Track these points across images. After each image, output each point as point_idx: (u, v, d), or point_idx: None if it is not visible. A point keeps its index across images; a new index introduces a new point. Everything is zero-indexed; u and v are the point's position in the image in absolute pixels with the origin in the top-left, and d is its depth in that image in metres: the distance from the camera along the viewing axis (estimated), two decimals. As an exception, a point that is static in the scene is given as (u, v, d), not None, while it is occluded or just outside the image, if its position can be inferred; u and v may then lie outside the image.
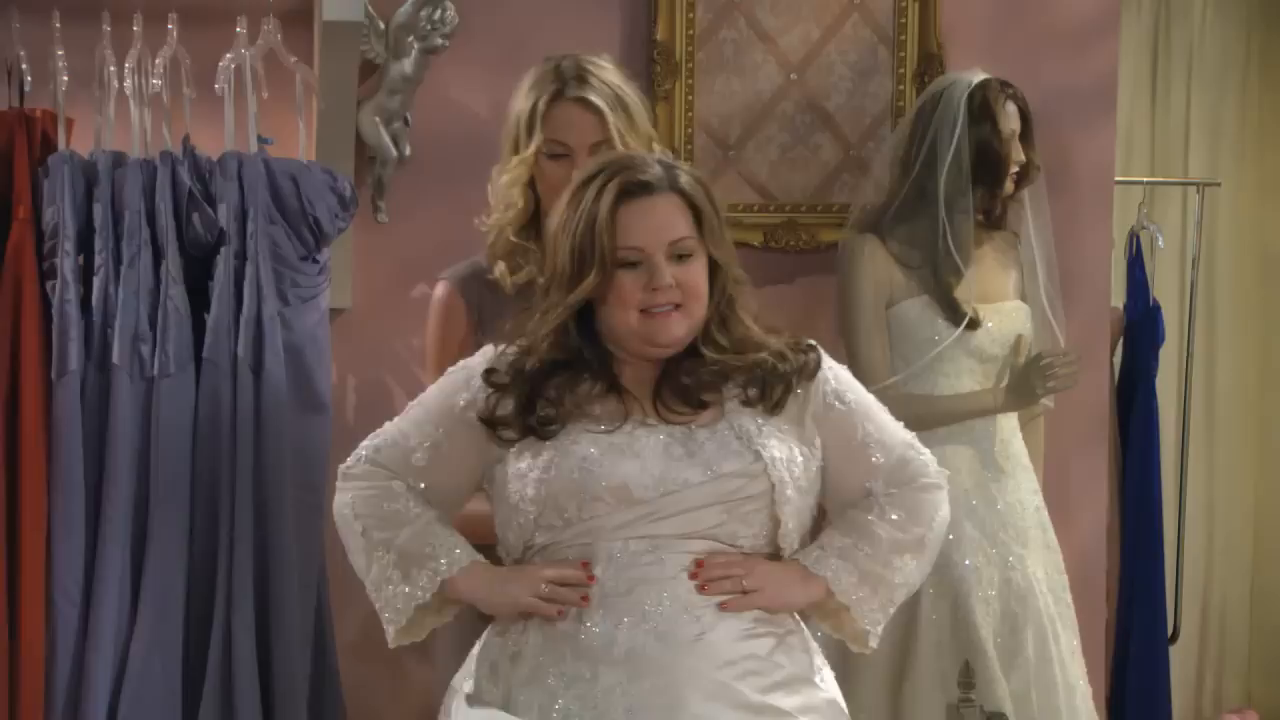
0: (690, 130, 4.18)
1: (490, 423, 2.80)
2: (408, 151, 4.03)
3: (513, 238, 3.34)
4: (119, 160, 3.62)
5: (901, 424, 2.92)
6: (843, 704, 2.86)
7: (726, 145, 4.20)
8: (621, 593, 2.73)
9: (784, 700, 2.74)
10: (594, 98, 3.29)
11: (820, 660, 2.86)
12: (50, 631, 3.56)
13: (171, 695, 3.58)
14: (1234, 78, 5.70)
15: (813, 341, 2.88)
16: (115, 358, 3.57)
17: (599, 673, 2.71)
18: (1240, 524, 5.79)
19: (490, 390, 2.82)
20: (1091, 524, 4.40)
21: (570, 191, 2.82)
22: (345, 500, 2.90)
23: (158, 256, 3.61)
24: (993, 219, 4.06)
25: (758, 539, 2.80)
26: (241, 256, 3.63)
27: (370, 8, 3.94)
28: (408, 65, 3.98)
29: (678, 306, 2.77)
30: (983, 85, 3.98)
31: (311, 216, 3.65)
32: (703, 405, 2.80)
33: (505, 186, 3.34)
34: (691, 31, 4.16)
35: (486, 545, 2.90)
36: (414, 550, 2.84)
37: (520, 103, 3.34)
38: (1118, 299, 4.88)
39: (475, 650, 2.88)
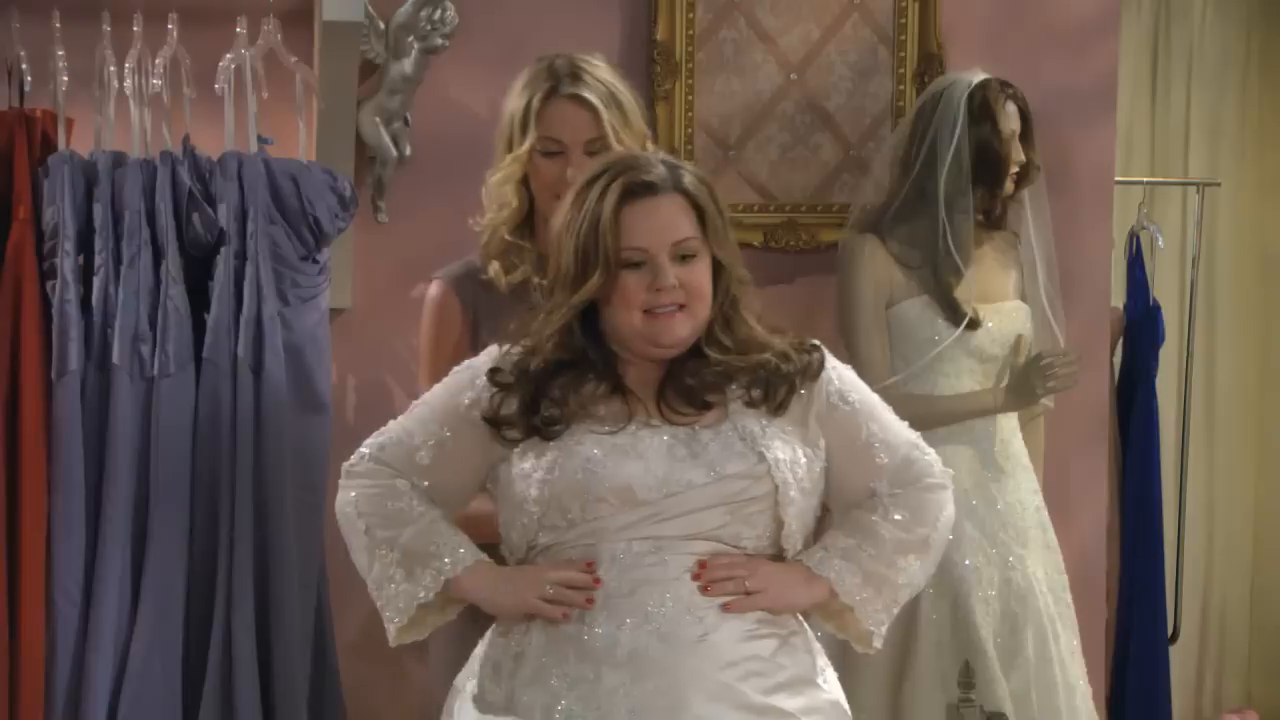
0: (690, 130, 4.17)
1: (494, 422, 2.80)
2: (408, 151, 4.02)
3: (507, 236, 3.34)
4: (119, 160, 3.62)
5: (906, 424, 2.92)
6: (846, 705, 2.85)
7: (726, 145, 4.20)
8: (625, 594, 2.72)
9: (787, 701, 2.74)
10: (588, 94, 3.29)
11: (823, 661, 2.85)
12: (50, 631, 3.55)
13: (171, 695, 3.57)
14: (1234, 77, 5.70)
15: (816, 342, 2.88)
16: (115, 358, 3.56)
17: (602, 674, 2.70)
18: (1240, 524, 5.78)
19: (495, 390, 2.81)
20: (1091, 524, 4.39)
21: (574, 191, 2.81)
22: (348, 498, 2.90)
23: (158, 256, 3.60)
24: (993, 219, 4.06)
25: (761, 540, 2.80)
26: (241, 256, 3.62)
27: (370, 8, 3.94)
28: (408, 65, 3.98)
29: (681, 307, 2.76)
30: (983, 85, 3.98)
31: (311, 216, 3.65)
32: (706, 406, 2.79)
33: (499, 185, 3.33)
34: (691, 31, 4.16)
35: (489, 544, 2.89)
36: (418, 549, 2.83)
37: (514, 101, 3.34)
38: (1118, 299, 4.88)
39: (478, 650, 2.87)
